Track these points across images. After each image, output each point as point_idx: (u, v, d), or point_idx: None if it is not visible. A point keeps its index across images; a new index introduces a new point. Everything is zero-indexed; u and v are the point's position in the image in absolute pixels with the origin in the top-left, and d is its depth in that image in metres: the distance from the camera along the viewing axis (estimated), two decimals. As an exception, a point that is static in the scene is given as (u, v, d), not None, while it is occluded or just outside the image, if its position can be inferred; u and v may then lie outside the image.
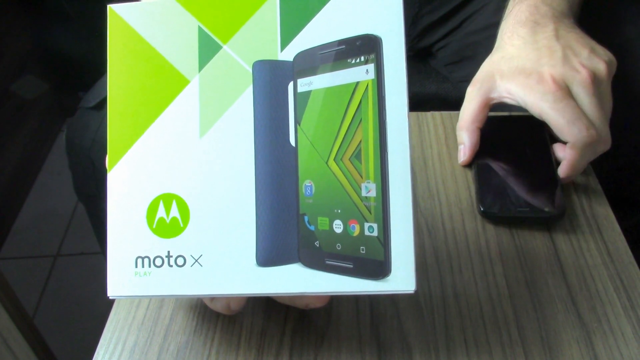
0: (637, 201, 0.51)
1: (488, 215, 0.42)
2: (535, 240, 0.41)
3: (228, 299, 0.33)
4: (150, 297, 0.38)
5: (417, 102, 0.41)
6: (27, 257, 1.37)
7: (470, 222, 0.43)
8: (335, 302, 0.37)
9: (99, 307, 0.56)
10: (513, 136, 0.48)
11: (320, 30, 0.30)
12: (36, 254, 1.37)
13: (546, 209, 0.41)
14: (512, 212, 0.42)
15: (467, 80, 0.68)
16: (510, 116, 0.50)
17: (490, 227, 0.42)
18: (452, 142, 0.49)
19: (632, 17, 0.55)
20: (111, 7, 0.32)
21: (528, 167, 0.45)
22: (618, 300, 0.37)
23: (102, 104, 0.63)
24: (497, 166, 0.45)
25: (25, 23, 1.55)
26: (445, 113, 0.52)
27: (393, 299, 0.38)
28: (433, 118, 0.52)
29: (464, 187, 0.45)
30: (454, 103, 0.69)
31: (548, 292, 0.38)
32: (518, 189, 0.43)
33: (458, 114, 0.52)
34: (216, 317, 0.37)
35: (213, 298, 0.34)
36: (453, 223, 0.43)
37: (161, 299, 0.38)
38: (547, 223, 0.42)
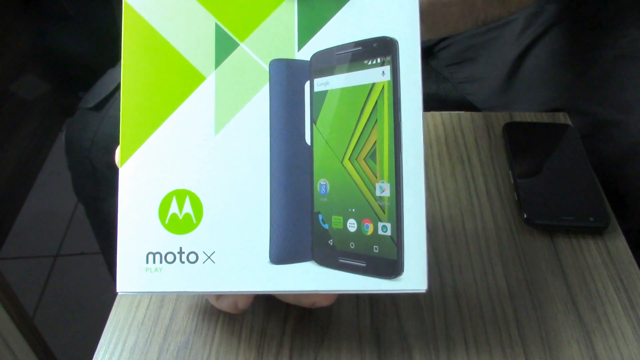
0: (637, 202, 0.51)
1: (531, 223, 0.42)
2: (535, 240, 0.41)
3: (235, 297, 0.33)
4: (161, 294, 0.38)
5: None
6: (27, 257, 1.37)
7: (470, 222, 0.43)
8: (335, 302, 0.37)
9: (99, 307, 0.56)
10: (548, 143, 0.48)
11: (337, 31, 0.30)
12: (36, 254, 1.37)
13: (591, 219, 0.41)
14: (557, 221, 0.41)
15: (467, 81, 0.68)
16: (542, 123, 0.50)
17: (490, 227, 0.42)
18: (452, 142, 0.49)
19: (637, 19, 0.55)
20: (126, 1, 0.32)
21: (568, 175, 0.44)
22: (618, 300, 0.37)
23: (101, 105, 0.63)
24: (536, 173, 0.45)
25: (25, 23, 1.55)
26: (445, 113, 0.52)
27: (393, 299, 0.38)
28: (433, 118, 0.52)
29: (464, 187, 0.45)
30: (454, 103, 0.70)
31: (548, 292, 0.38)
32: (562, 198, 0.43)
33: (458, 114, 0.52)
34: (216, 317, 0.37)
35: (219, 296, 0.34)
36: (453, 223, 0.43)
37: (162, 297, 0.38)
38: (592, 233, 0.41)
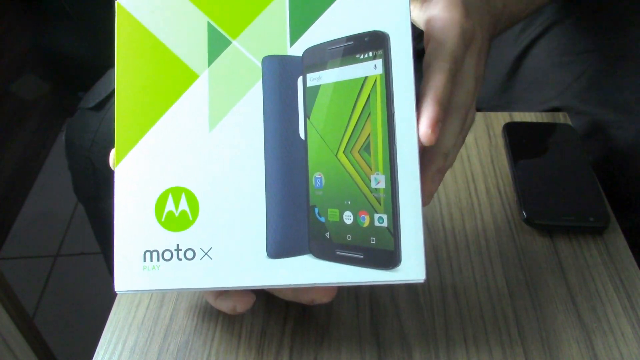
0: (637, 202, 0.51)
1: (531, 223, 0.42)
2: (535, 240, 0.41)
3: (234, 302, 0.33)
4: (159, 292, 0.38)
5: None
6: (27, 257, 1.37)
7: (470, 222, 0.43)
8: (335, 301, 0.37)
9: (99, 307, 0.56)
10: (548, 143, 0.48)
11: (329, 26, 0.30)
12: (36, 254, 1.37)
13: (591, 219, 0.41)
14: (557, 221, 0.41)
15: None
16: (541, 123, 0.50)
17: (490, 227, 0.42)
18: (452, 142, 0.49)
19: (637, 19, 0.56)
20: (119, 2, 0.32)
21: (568, 175, 0.44)
22: (618, 300, 0.37)
23: (101, 105, 0.63)
24: (536, 173, 0.45)
25: (25, 23, 1.55)
26: (445, 113, 0.52)
27: (393, 298, 0.38)
28: (433, 118, 0.52)
29: (464, 187, 0.45)
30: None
31: (548, 292, 0.38)
32: (562, 198, 0.43)
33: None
34: (216, 317, 0.37)
35: (218, 297, 0.34)
36: (453, 223, 0.43)
37: (162, 297, 0.38)
38: (592, 233, 0.41)
